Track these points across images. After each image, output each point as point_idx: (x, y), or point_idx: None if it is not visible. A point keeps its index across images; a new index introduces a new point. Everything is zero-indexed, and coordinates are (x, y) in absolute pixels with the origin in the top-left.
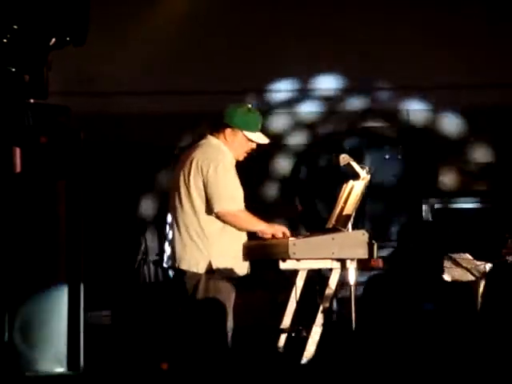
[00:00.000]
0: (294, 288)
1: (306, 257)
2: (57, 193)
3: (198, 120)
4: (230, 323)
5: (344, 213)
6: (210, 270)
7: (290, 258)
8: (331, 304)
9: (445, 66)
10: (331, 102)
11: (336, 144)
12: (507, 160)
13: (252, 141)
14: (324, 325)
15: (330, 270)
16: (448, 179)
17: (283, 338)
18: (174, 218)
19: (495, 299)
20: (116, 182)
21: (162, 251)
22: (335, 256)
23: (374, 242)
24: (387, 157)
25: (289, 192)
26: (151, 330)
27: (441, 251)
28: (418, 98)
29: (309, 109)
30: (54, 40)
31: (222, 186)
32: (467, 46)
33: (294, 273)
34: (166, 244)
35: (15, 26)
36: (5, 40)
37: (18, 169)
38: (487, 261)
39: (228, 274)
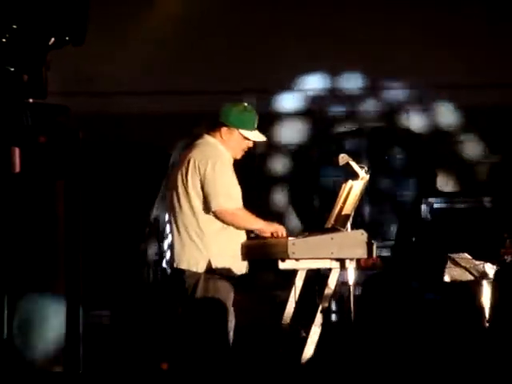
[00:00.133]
0: (293, 288)
1: (305, 256)
2: (56, 192)
3: (198, 120)
4: (230, 323)
5: (343, 213)
6: (210, 270)
7: (289, 258)
8: (330, 304)
9: (445, 66)
10: (331, 102)
11: (335, 144)
12: (507, 160)
13: (248, 139)
14: (323, 325)
15: (329, 269)
16: (447, 179)
17: (282, 337)
18: (173, 218)
19: (505, 300)
20: (116, 182)
21: (161, 251)
22: (334, 256)
23: (373, 241)
24: (386, 157)
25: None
26: (151, 330)
27: (440, 251)
28: (417, 98)
29: (309, 109)
30: (53, 40)
31: (219, 184)
32: (467, 46)
33: (293, 272)
34: (165, 244)
35: (14, 26)
36: (4, 39)
37: (17, 168)
38: (486, 260)
39: (227, 274)
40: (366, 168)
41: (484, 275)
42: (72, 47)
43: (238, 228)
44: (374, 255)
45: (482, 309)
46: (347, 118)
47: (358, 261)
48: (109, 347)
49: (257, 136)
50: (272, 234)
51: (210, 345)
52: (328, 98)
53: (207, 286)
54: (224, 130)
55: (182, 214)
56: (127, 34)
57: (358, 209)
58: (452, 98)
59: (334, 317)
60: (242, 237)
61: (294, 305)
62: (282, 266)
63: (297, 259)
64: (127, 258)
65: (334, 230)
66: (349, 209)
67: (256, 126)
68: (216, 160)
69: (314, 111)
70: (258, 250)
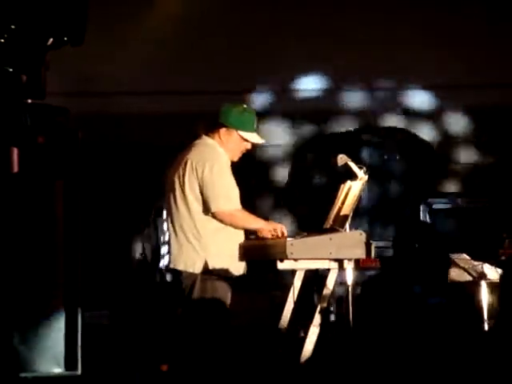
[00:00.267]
0: (292, 288)
1: (303, 257)
2: (55, 193)
3: (198, 120)
4: (228, 323)
5: (341, 213)
6: (207, 270)
7: (287, 258)
8: (329, 304)
9: (445, 66)
10: (330, 102)
11: (335, 144)
12: (507, 160)
13: (247, 140)
14: (322, 325)
15: (328, 270)
16: (446, 179)
17: (281, 338)
18: (170, 218)
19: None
20: (115, 182)
21: (159, 252)
22: (333, 256)
23: (371, 242)
24: (386, 157)
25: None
26: (150, 330)
27: (439, 251)
28: (417, 98)
29: (308, 109)
30: (51, 40)
31: (217, 186)
32: (467, 46)
33: (292, 273)
34: (163, 245)
35: (13, 26)
36: (2, 40)
37: (16, 169)
38: (484, 261)
39: (224, 274)
40: (364, 168)
41: (483, 276)
42: (72, 47)
43: (237, 229)
44: (373, 256)
45: (480, 309)
46: (347, 118)
47: (357, 261)
48: (107, 347)
49: (256, 138)
50: (272, 233)
51: (208, 345)
52: (327, 98)
53: (205, 287)
54: (223, 130)
55: (179, 215)
56: (127, 34)
57: (356, 209)
58: (452, 98)
59: (332, 317)
60: (239, 237)
61: (292, 305)
62: (280, 266)
63: (295, 259)
64: (126, 258)
65: (332, 230)
66: (347, 209)
67: (255, 127)
68: (214, 162)
69: (313, 111)
70: (256, 251)
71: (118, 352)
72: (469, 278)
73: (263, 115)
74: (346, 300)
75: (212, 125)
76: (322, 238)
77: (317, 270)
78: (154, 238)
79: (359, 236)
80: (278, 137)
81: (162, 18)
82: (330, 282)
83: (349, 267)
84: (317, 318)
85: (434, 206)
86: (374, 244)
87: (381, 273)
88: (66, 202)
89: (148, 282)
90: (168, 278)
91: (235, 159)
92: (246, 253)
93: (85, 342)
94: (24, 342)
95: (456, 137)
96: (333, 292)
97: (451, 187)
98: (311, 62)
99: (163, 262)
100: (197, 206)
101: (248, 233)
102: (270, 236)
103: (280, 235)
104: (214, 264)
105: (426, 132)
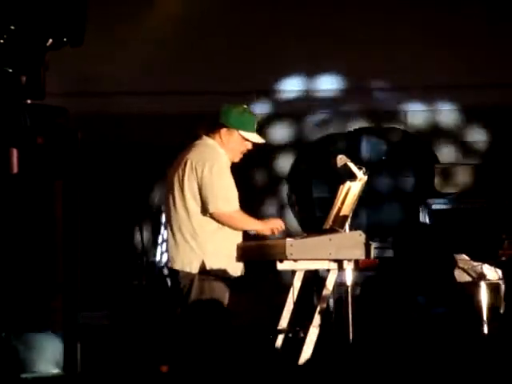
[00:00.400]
0: (292, 289)
1: (303, 257)
2: (54, 193)
3: (198, 120)
4: (229, 323)
5: (341, 214)
6: (204, 270)
7: (287, 259)
8: (328, 305)
9: (445, 66)
10: (330, 103)
11: (334, 145)
12: (506, 160)
13: (248, 140)
14: (321, 326)
15: (328, 270)
16: (446, 180)
17: (280, 338)
18: (168, 218)
19: None
20: (115, 183)
21: (157, 251)
22: (332, 257)
23: (370, 242)
24: (384, 157)
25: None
26: (149, 331)
27: (438, 252)
28: (417, 98)
29: (307, 109)
30: (50, 41)
31: (216, 186)
32: (467, 46)
33: (292, 273)
34: (161, 244)
35: (12, 27)
36: (1, 41)
37: (15, 169)
38: (484, 261)
39: (222, 274)
40: (364, 169)
41: (482, 276)
42: (72, 48)
43: (235, 230)
44: (372, 256)
45: (480, 310)
46: (347, 118)
47: (357, 262)
48: (107, 348)
49: (256, 138)
50: (272, 230)
51: (206, 346)
52: (327, 98)
53: (202, 287)
54: (224, 131)
55: (177, 215)
56: (127, 34)
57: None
58: (452, 98)
59: (332, 318)
60: (237, 237)
61: (292, 306)
62: (280, 266)
63: (295, 260)
64: (125, 258)
65: (332, 230)
66: (347, 210)
67: (255, 127)
68: (213, 162)
69: (313, 111)
70: (256, 251)
71: (117, 353)
72: (468, 278)
73: (263, 115)
74: (345, 301)
75: (212, 125)
76: (321, 239)
77: (316, 271)
78: (153, 238)
79: (359, 237)
80: (278, 136)
81: (161, 18)
82: (330, 283)
83: (348, 268)
84: (316, 319)
85: (434, 207)
86: (373, 245)
87: (380, 274)
88: (65, 202)
89: (148, 281)
90: (167, 277)
91: (236, 160)
92: (245, 253)
93: (84, 342)
94: (23, 342)
95: (455, 137)
96: (332, 292)
97: (450, 188)
98: (311, 62)
99: (162, 262)
100: (195, 206)
101: (247, 231)
102: (270, 233)
103: (279, 230)
104: (211, 264)
105: (425, 132)
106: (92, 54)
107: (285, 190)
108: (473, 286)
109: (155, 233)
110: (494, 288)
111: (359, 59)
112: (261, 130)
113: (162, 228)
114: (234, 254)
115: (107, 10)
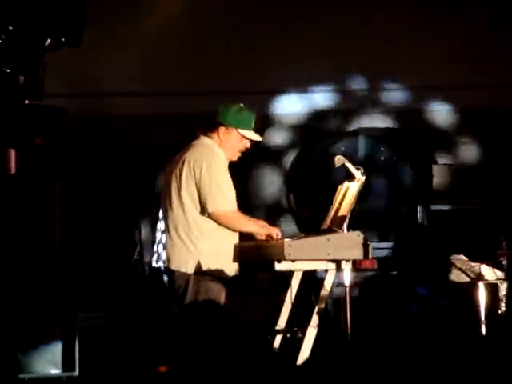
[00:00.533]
0: (290, 289)
1: (301, 258)
2: (52, 194)
3: (198, 121)
4: (223, 324)
5: (339, 214)
6: (199, 270)
7: (285, 259)
8: (326, 305)
9: (445, 66)
10: (330, 103)
11: (332, 145)
12: (506, 160)
13: (246, 138)
14: (319, 326)
15: (326, 270)
16: (444, 180)
17: (279, 339)
18: (165, 218)
19: None
20: (114, 184)
21: (153, 251)
22: (330, 257)
23: (369, 242)
24: (383, 158)
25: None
26: (146, 331)
27: (436, 252)
28: (417, 98)
29: (307, 109)
30: (49, 41)
31: (214, 186)
32: (467, 46)
33: (290, 274)
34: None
35: (10, 27)
36: (0, 41)
37: (14, 170)
38: (482, 262)
39: (218, 274)
40: (362, 170)
41: (480, 277)
42: (70, 48)
43: (233, 230)
44: (370, 257)
45: (478, 311)
46: (347, 118)
47: (355, 262)
48: (105, 349)
49: (254, 135)
50: (267, 236)
51: (204, 346)
52: (327, 98)
53: (198, 287)
54: (222, 129)
55: (173, 214)
56: (127, 34)
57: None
58: (452, 99)
59: (330, 318)
60: (234, 237)
61: (290, 306)
62: (278, 267)
63: (293, 260)
64: (122, 259)
65: (330, 231)
66: (345, 210)
67: (253, 125)
68: (211, 162)
69: (313, 111)
70: (254, 252)
71: (115, 353)
72: (466, 279)
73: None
74: (343, 301)
75: (210, 125)
76: (319, 239)
77: (314, 271)
78: (150, 238)
79: (357, 237)
80: (277, 137)
81: (161, 18)
82: (328, 283)
83: (346, 268)
84: (314, 319)
85: (432, 207)
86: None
87: (378, 274)
88: (63, 203)
89: (144, 282)
90: (163, 277)
91: (234, 159)
92: (243, 253)
93: (82, 343)
94: (22, 343)
95: (455, 137)
96: (330, 293)
97: (449, 188)
98: (311, 62)
99: (158, 262)
100: (192, 206)
101: (244, 235)
102: (264, 239)
103: (276, 239)
104: (207, 264)
105: (424, 133)
106: (91, 54)
107: (283, 190)
108: (471, 286)
109: (152, 234)
110: (492, 288)
111: (359, 59)
112: (261, 130)
113: (159, 228)
114: (231, 254)
115: (107, 9)
